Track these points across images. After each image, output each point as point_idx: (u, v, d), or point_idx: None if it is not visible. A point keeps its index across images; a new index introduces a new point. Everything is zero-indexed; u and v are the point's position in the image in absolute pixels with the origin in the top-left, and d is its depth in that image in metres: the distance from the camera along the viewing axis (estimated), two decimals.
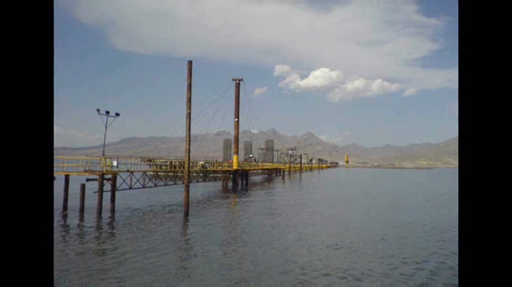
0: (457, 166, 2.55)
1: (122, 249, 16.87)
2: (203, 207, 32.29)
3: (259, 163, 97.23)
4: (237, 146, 60.52)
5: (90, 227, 22.34)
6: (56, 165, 28.10)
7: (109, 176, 28.38)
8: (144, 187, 32.90)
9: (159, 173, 39.38)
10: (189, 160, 27.88)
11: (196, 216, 26.80)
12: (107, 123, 32.86)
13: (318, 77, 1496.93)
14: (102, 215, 26.08)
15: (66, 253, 15.90)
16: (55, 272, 12.70)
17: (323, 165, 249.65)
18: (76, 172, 28.64)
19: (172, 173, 40.84)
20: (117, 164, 29.78)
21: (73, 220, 24.52)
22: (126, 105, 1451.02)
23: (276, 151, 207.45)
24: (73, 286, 12.00)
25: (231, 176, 55.27)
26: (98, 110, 32.68)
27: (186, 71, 27.10)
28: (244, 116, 62.67)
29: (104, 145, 33.39)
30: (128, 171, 31.61)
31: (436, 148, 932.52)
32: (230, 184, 54.64)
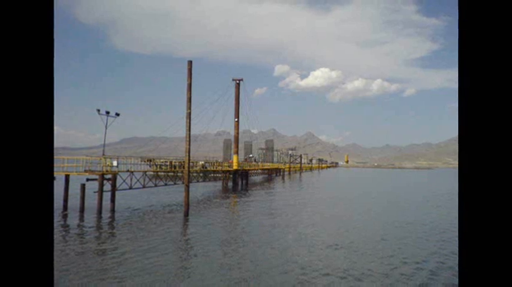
0: (457, 166, 2.55)
1: (122, 249, 16.88)
2: (203, 207, 32.30)
3: (259, 163, 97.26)
4: (237, 146, 60.53)
5: (90, 227, 22.35)
6: (56, 165, 28.12)
7: (109, 176, 28.39)
8: (144, 187, 32.91)
9: (159, 173, 39.39)
10: (189, 160, 27.89)
11: (196, 216, 26.82)
12: (107, 124, 32.88)
13: (318, 77, 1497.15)
14: (102, 215, 26.10)
15: (66, 253, 15.91)
16: (55, 272, 12.71)
17: (323, 165, 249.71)
18: (76, 172, 28.66)
19: (172, 173, 40.85)
20: (117, 164, 29.79)
21: (73, 219, 24.53)
22: (126, 105, 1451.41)
23: (276, 150, 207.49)
24: (73, 286, 12.01)
25: (231, 176, 55.28)
26: (98, 110, 32.70)
27: (186, 71, 27.11)
28: (244, 116, 62.83)
29: (104, 145, 33.40)
30: (128, 171, 31.62)
31: (436, 148, 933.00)
32: (230, 184, 54.66)
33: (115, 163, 29.39)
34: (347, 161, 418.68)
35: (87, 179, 27.98)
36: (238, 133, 59.63)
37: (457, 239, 2.40)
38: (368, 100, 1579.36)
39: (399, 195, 53.71)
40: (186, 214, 26.23)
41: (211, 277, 13.27)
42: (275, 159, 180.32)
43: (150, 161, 41.70)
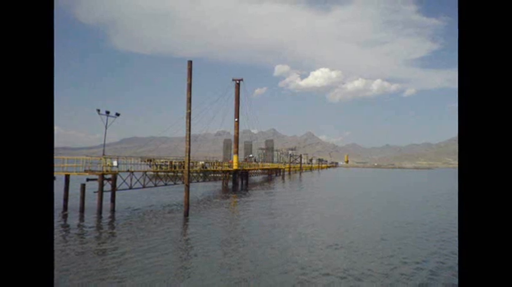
0: (457, 165, 2.55)
1: (122, 249, 16.88)
2: (203, 207, 32.30)
3: (259, 163, 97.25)
4: (237, 146, 60.52)
5: (90, 227, 22.35)
6: (57, 165, 28.11)
7: (109, 176, 28.39)
8: (144, 187, 32.91)
9: (159, 173, 39.39)
10: (189, 160, 27.89)
11: (196, 216, 26.81)
12: (107, 124, 32.89)
13: (318, 77, 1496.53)
14: (102, 215, 26.09)
15: (67, 253, 15.91)
16: (55, 272, 12.71)
17: (323, 165, 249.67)
18: (76, 172, 28.65)
19: (172, 173, 40.85)
20: (117, 164, 29.79)
21: (73, 219, 24.53)
22: (126, 105, 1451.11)
23: (276, 151, 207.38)
24: (73, 286, 12.01)
25: (231, 176, 55.27)
26: (98, 110, 32.71)
27: (186, 71, 27.11)
28: (244, 116, 62.75)
29: (104, 145, 33.41)
30: (128, 171, 31.62)
31: (436, 148, 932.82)
32: (230, 184, 54.65)
33: (115, 163, 29.39)
34: (347, 161, 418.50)
35: (87, 179, 27.97)
36: (238, 133, 59.62)
37: (456, 239, 2.39)
38: (368, 100, 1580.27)
39: (399, 195, 53.70)
40: (186, 214, 26.23)
41: (211, 277, 13.27)
42: (275, 159, 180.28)
43: (150, 161, 41.69)
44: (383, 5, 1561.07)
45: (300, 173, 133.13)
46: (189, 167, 28.14)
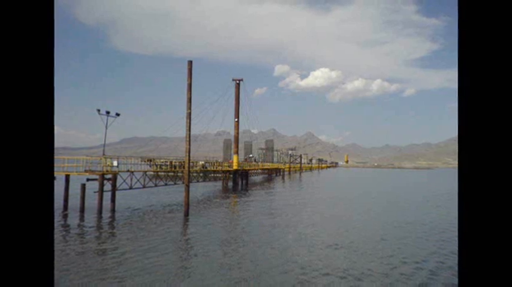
0: (457, 165, 2.56)
1: (122, 249, 16.89)
2: (203, 207, 32.31)
3: (259, 163, 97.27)
4: (237, 146, 60.55)
5: (90, 227, 22.36)
6: (57, 165, 28.13)
7: (109, 176, 28.40)
8: (144, 186, 32.92)
9: (159, 173, 39.42)
10: (189, 160, 27.90)
11: (196, 216, 26.82)
12: (107, 124, 32.91)
13: (318, 77, 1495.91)
14: (103, 215, 26.11)
15: (67, 253, 15.92)
16: (56, 272, 12.71)
17: (323, 165, 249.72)
18: (76, 172, 28.67)
19: (172, 173, 40.87)
20: (118, 164, 29.80)
21: (73, 219, 24.54)
22: (126, 105, 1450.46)
23: (276, 151, 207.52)
24: (73, 286, 12.02)
25: (231, 176, 55.29)
26: (99, 110, 32.72)
27: (186, 71, 27.12)
28: (244, 116, 62.93)
29: (104, 145, 33.42)
30: (128, 171, 31.63)
31: (436, 147, 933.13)
32: (230, 183, 54.67)
33: (115, 163, 29.40)
34: (347, 161, 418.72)
35: (88, 179, 27.99)
36: (238, 133, 59.64)
37: (456, 239, 2.40)
38: (368, 100, 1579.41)
39: (399, 195, 53.72)
40: (186, 214, 26.24)
41: (211, 277, 13.28)
42: (275, 159, 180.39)
43: (150, 161, 41.75)
44: (383, 5, 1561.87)
45: (300, 173, 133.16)
46: (189, 167, 28.15)
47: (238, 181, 55.97)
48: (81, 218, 25.12)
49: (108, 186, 28.23)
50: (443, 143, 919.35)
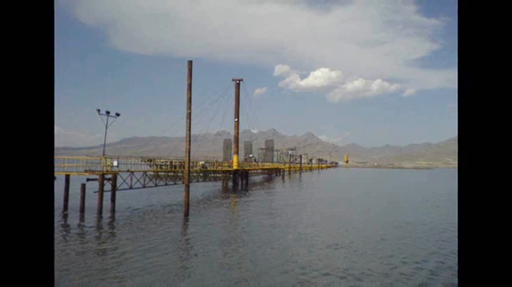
0: (457, 165, 2.56)
1: (122, 249, 16.89)
2: (203, 207, 32.31)
3: (259, 163, 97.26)
4: (237, 146, 60.54)
5: (90, 227, 22.36)
6: (57, 165, 28.12)
7: (109, 176, 28.40)
8: (144, 186, 32.91)
9: (159, 173, 39.40)
10: (189, 159, 27.90)
11: (196, 216, 26.82)
12: (107, 124, 32.90)
13: (318, 77, 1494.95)
14: (103, 215, 26.11)
15: (67, 253, 15.92)
16: (56, 272, 12.71)
17: (323, 165, 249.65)
18: (76, 172, 28.66)
19: (172, 173, 40.85)
20: (118, 164, 29.80)
21: (73, 219, 24.54)
22: (126, 105, 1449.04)
23: (276, 151, 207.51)
24: (73, 286, 12.02)
25: (231, 176, 55.28)
26: (99, 110, 32.71)
27: (186, 71, 27.12)
28: (244, 116, 62.82)
29: (105, 145, 33.42)
30: (128, 171, 31.63)
31: (436, 147, 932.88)
32: (230, 183, 54.66)
33: (115, 163, 29.40)
34: (347, 161, 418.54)
35: (88, 179, 27.99)
36: (238, 133, 59.63)
37: (456, 239, 2.40)
38: (368, 100, 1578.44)
39: (399, 195, 53.72)
40: (186, 214, 26.24)
41: (212, 277, 13.28)
42: (275, 159, 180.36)
43: (150, 161, 41.70)
44: (383, 5, 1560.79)
45: (300, 173, 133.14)
46: (189, 167, 28.15)
47: (238, 181, 55.96)
48: (81, 218, 25.12)
49: (108, 186, 28.23)
50: (443, 143, 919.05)
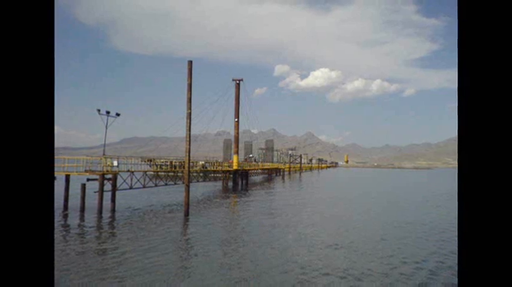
0: (456, 165, 2.56)
1: (122, 249, 16.90)
2: (203, 207, 32.32)
3: (259, 163, 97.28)
4: (237, 146, 60.55)
5: (90, 227, 22.37)
6: (57, 165, 28.14)
7: (109, 176, 28.41)
8: (144, 186, 32.92)
9: (159, 173, 39.43)
10: (189, 159, 27.90)
11: (196, 216, 26.83)
12: (107, 124, 32.93)
13: (318, 77, 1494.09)
14: (103, 214, 26.11)
15: (67, 253, 15.92)
16: (56, 272, 12.72)
17: (323, 165, 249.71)
18: (77, 172, 28.68)
19: (172, 173, 40.87)
20: (118, 164, 29.82)
21: (73, 219, 24.55)
22: (126, 105, 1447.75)
23: (276, 151, 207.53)
24: (74, 286, 12.02)
25: (231, 176, 55.30)
26: (99, 110, 32.74)
27: (186, 71, 27.12)
28: (244, 116, 62.85)
29: (105, 145, 33.45)
30: (128, 171, 31.64)
31: (436, 147, 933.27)
32: (230, 183, 54.67)
33: (115, 163, 29.42)
34: (347, 161, 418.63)
35: (88, 179, 28.00)
36: (238, 133, 59.65)
37: (456, 238, 2.40)
38: (368, 100, 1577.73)
39: (399, 195, 53.73)
40: (186, 214, 26.25)
41: (212, 277, 13.28)
42: (275, 159, 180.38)
43: (151, 161, 41.76)
44: (383, 5, 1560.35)
45: (300, 173, 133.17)
46: (189, 167, 28.15)
47: (238, 181, 55.98)
48: (81, 218, 25.12)
49: (108, 186, 28.24)
50: (443, 143, 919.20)
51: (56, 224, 22.42)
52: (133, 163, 35.42)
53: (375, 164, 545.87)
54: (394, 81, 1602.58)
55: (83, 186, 28.14)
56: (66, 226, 22.45)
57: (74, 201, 29.05)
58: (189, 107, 26.97)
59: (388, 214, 31.36)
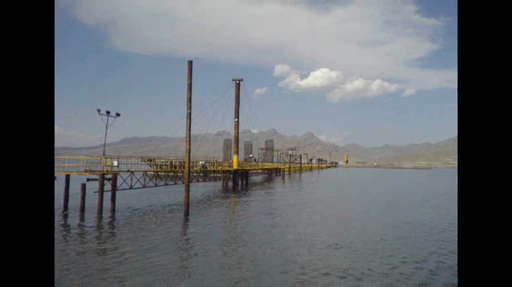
0: (456, 165, 2.56)
1: (122, 249, 16.89)
2: (203, 207, 32.31)
3: (259, 163, 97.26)
4: (237, 146, 60.55)
5: (90, 227, 22.37)
6: (57, 165, 28.14)
7: (109, 176, 28.41)
8: (144, 186, 32.92)
9: (159, 173, 39.41)
10: (189, 159, 27.90)
11: (196, 216, 26.83)
12: (107, 124, 32.92)
13: (318, 77, 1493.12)
14: (103, 214, 26.11)
15: (67, 253, 15.92)
16: (56, 272, 12.71)
17: (323, 165, 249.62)
18: (77, 172, 28.67)
19: (172, 173, 40.86)
20: (118, 164, 29.81)
21: (74, 219, 24.54)
22: (126, 105, 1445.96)
23: (276, 151, 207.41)
24: (74, 286, 12.02)
25: (231, 176, 55.29)
26: (99, 111, 32.73)
27: (186, 71, 27.12)
28: (244, 116, 62.81)
29: (105, 145, 33.43)
30: (128, 171, 31.63)
31: (435, 147, 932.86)
32: (230, 183, 54.66)
33: (115, 163, 29.41)
34: (347, 161, 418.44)
35: (88, 179, 28.00)
36: (238, 133, 59.64)
37: (456, 238, 2.40)
38: (368, 100, 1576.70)
39: (398, 195, 53.72)
40: (186, 214, 26.25)
41: (212, 277, 13.28)
42: (275, 159, 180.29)
43: (151, 161, 41.72)
44: (383, 5, 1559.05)
45: (300, 173, 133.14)
46: (189, 167, 28.15)
47: (238, 181, 55.97)
48: (82, 218, 25.12)
49: (108, 186, 28.23)
50: (443, 143, 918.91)
51: (56, 224, 22.42)
52: (133, 163, 35.40)
53: (375, 164, 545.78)
54: (394, 81, 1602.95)
55: (83, 186, 28.13)
56: (66, 226, 22.44)
57: (74, 201, 29.04)
58: (189, 107, 26.96)
59: (388, 214, 31.36)
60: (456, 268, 2.24)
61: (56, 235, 19.19)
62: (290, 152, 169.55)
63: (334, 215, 30.10)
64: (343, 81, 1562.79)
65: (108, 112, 32.88)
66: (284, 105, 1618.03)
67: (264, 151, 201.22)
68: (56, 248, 15.75)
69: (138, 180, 32.10)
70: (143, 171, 34.98)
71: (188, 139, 27.40)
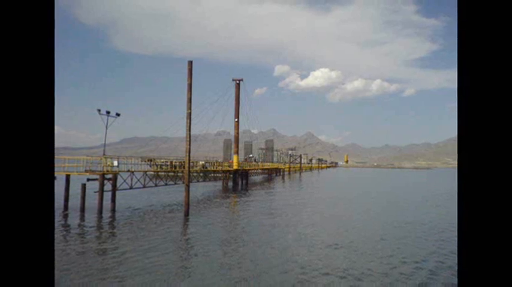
0: (456, 165, 2.56)
1: (122, 248, 16.90)
2: (203, 207, 32.32)
3: (259, 163, 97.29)
4: (237, 146, 60.56)
5: (90, 227, 22.37)
6: (57, 165, 28.14)
7: (110, 176, 28.42)
8: (144, 186, 32.93)
9: (159, 173, 39.42)
10: (189, 159, 27.91)
11: (196, 216, 26.84)
12: (107, 124, 32.94)
13: (318, 77, 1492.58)
14: (103, 214, 26.12)
15: (67, 253, 15.92)
16: (56, 272, 12.69)
17: (323, 165, 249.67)
18: (77, 172, 28.69)
19: (172, 173, 40.88)
20: (118, 164, 29.83)
21: (74, 219, 24.55)
22: (126, 105, 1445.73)
23: (276, 151, 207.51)
24: (74, 286, 12.03)
25: (231, 176, 55.30)
26: (99, 111, 32.76)
27: (186, 71, 27.12)
28: (244, 116, 62.83)
29: (105, 145, 33.46)
30: (128, 171, 31.64)
31: (435, 147, 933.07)
32: (230, 183, 54.68)
33: (115, 163, 29.42)
34: (346, 161, 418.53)
35: (88, 179, 28.00)
36: (238, 133, 59.66)
37: (456, 238, 2.40)
38: (368, 100, 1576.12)
39: (398, 195, 53.74)
40: (187, 214, 26.25)
41: (212, 277, 13.29)
42: (275, 159, 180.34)
43: (151, 161, 41.76)
44: (383, 5, 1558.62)
45: (300, 173, 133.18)
46: (189, 167, 28.16)
47: (238, 181, 55.98)
48: (82, 218, 25.13)
49: (108, 186, 28.24)
50: (443, 143, 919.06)
51: (56, 224, 22.42)
52: (133, 163, 35.41)
53: (375, 164, 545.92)
54: (394, 82, 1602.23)
55: (83, 186, 28.14)
56: (66, 226, 22.45)
57: (74, 201, 29.05)
58: (189, 107, 26.97)
59: (388, 214, 31.37)
60: (456, 268, 2.24)
61: (56, 235, 19.19)
62: (290, 152, 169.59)
63: (334, 215, 30.11)
64: (343, 81, 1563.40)
65: (108, 112, 32.91)
66: (284, 105, 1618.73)
67: (264, 151, 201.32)
68: (56, 248, 15.74)
69: (138, 180, 32.11)
70: (143, 171, 34.98)
71: (188, 139, 27.41)
